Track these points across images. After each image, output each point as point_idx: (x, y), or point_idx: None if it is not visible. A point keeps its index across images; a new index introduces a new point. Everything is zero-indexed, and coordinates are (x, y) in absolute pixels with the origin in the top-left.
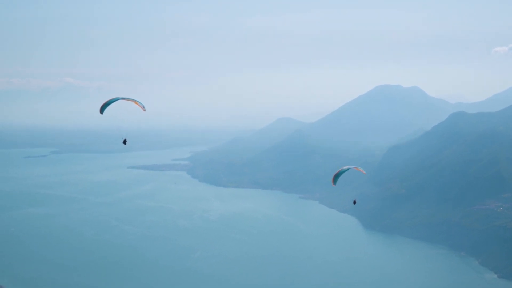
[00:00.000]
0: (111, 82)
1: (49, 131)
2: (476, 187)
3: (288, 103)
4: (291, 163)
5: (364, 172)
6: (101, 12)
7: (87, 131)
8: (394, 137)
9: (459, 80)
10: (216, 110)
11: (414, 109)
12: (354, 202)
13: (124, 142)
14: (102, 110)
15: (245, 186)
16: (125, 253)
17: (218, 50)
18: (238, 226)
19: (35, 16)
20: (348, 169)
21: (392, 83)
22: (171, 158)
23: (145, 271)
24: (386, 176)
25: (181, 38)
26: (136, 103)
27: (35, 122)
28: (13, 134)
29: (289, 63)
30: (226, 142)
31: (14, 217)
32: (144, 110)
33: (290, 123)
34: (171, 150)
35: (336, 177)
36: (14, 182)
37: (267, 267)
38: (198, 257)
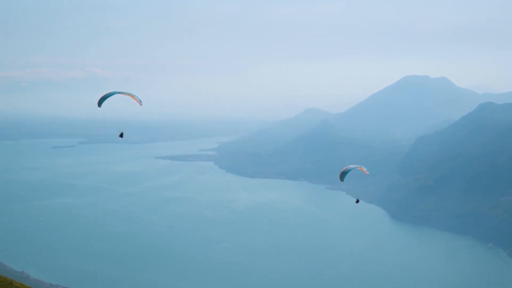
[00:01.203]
0: (137, 72)
1: (76, 121)
2: (504, 178)
3: (316, 94)
4: (318, 154)
5: (367, 172)
6: (127, 2)
7: (114, 121)
8: (421, 128)
9: (487, 71)
10: (243, 101)
11: (441, 99)
12: (357, 201)
13: (121, 135)
14: (99, 103)
15: (272, 177)
16: (151, 243)
17: (244, 40)
18: (265, 217)
19: (63, 6)
20: (354, 168)
21: (420, 73)
22: (198, 148)
23: (171, 261)
24: (414, 167)
25: (207, 28)
26: (133, 97)
27: (62, 112)
28: (41, 124)
29: (317, 53)
30: (253, 133)
31: (42, 207)
32: (141, 105)
33: (317, 113)
34: (198, 140)
35: (343, 174)
36: (41, 172)
37: (294, 257)
38: (225, 247)
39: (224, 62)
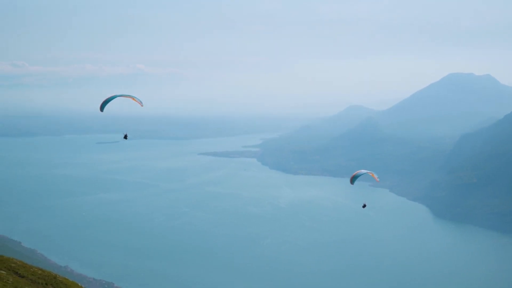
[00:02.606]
0: (183, 68)
1: (121, 117)
2: None
3: (360, 91)
4: (361, 151)
5: (377, 179)
6: None
7: (158, 117)
8: (465, 126)
9: None
10: (287, 97)
11: (486, 97)
12: (364, 206)
13: (125, 137)
14: (102, 107)
15: (315, 174)
16: (196, 239)
17: (290, 37)
18: (308, 213)
19: (108, 2)
20: (365, 173)
21: (465, 71)
22: (242, 145)
23: (215, 257)
24: (458, 164)
25: (253, 25)
26: (133, 99)
27: (107, 108)
28: (86, 120)
29: (361, 50)
30: (296, 129)
31: (86, 202)
32: (142, 106)
33: (361, 110)
34: (241, 137)
35: (353, 178)
36: (86, 167)
37: (337, 254)
38: (268, 243)
39: (270, 59)
